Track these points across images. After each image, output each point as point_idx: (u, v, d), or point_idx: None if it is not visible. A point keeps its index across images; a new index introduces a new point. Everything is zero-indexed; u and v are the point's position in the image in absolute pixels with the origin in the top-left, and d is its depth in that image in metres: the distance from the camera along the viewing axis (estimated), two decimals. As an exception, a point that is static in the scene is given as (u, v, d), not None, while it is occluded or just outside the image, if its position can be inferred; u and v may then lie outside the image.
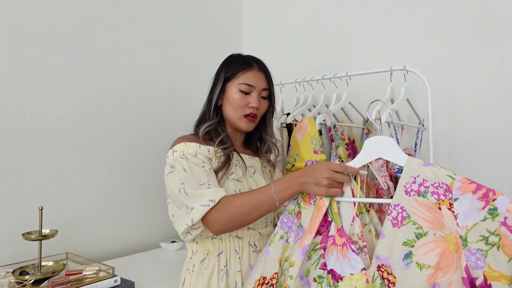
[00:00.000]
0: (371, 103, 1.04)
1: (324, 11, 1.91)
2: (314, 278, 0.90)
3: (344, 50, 1.82)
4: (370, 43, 1.72)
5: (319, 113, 1.54)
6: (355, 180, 0.92)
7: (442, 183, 0.77)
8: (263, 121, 1.20)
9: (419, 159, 0.82)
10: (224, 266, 1.05)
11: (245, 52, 2.40)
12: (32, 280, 1.20)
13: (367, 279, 0.82)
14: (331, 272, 0.86)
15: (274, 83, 1.74)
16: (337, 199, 0.92)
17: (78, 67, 1.60)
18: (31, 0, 1.46)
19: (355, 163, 0.91)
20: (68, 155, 1.56)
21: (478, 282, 0.70)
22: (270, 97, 1.17)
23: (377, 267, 0.81)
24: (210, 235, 1.06)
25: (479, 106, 1.42)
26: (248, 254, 1.08)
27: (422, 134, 1.39)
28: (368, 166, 0.93)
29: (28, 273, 1.25)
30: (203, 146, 1.08)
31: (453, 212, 0.75)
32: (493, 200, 0.71)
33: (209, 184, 0.99)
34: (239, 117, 1.11)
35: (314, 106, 1.67)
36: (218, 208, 0.95)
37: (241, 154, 1.17)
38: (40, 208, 1.29)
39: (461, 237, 0.74)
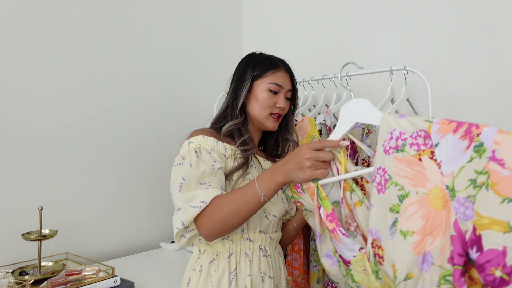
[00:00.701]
0: (344, 66, 1.01)
1: (324, 12, 1.91)
2: (337, 259, 0.85)
3: (344, 50, 1.82)
4: (370, 43, 1.72)
5: (319, 113, 1.54)
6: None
7: (420, 130, 0.66)
8: (284, 121, 1.19)
9: (397, 114, 0.73)
10: (234, 269, 1.01)
11: (245, 52, 2.38)
12: (32, 281, 1.20)
13: (368, 258, 0.74)
14: (341, 257, 0.80)
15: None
16: (321, 182, 0.82)
17: (77, 67, 1.59)
18: (39, 4, 1.46)
19: (334, 135, 0.82)
20: (68, 156, 1.56)
21: (467, 236, 0.57)
22: (292, 97, 1.18)
23: (371, 244, 0.72)
24: None
25: (479, 106, 1.41)
26: (258, 258, 1.05)
27: (422, 134, 1.39)
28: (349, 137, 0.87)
29: (28, 274, 1.25)
30: (220, 143, 1.05)
31: (436, 160, 0.64)
32: (478, 135, 0.59)
33: (210, 185, 0.95)
34: (265, 116, 1.10)
35: (314, 106, 1.67)
36: (208, 210, 0.90)
37: (256, 156, 1.14)
38: (40, 208, 1.28)
39: (447, 187, 0.61)
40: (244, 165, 1.04)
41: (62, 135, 1.55)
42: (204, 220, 0.91)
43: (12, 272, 1.25)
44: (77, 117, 1.59)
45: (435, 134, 0.64)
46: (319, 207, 0.81)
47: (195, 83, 2.04)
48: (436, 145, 0.64)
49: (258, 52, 1.18)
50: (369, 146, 1.47)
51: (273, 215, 1.08)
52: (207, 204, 0.90)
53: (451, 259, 0.58)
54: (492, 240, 0.54)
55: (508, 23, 1.35)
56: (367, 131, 1.50)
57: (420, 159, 0.65)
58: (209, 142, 1.03)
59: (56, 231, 1.34)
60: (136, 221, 1.78)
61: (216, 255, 1.03)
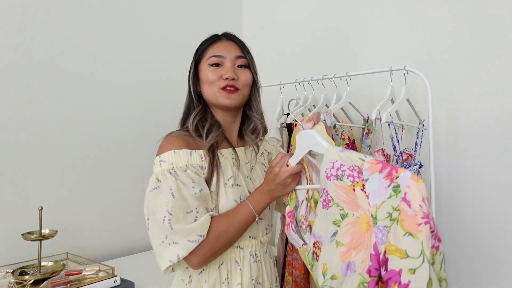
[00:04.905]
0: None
1: (325, 11, 1.91)
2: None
3: (344, 50, 1.82)
4: (370, 43, 1.72)
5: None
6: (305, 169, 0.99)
7: (355, 165, 0.80)
8: (248, 97, 1.07)
9: (339, 147, 0.86)
10: (225, 279, 0.97)
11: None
12: (32, 280, 1.20)
13: (307, 254, 0.91)
14: (292, 244, 0.98)
15: (273, 82, 1.75)
16: (296, 187, 0.99)
17: (77, 68, 1.59)
18: (36, 5, 1.46)
19: (294, 159, 0.96)
20: (68, 156, 1.56)
21: (381, 257, 0.72)
22: (250, 67, 1.04)
23: (313, 244, 0.88)
24: None
25: (479, 106, 1.41)
26: (249, 265, 1.00)
27: (422, 134, 1.39)
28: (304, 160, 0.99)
29: (28, 273, 1.25)
30: (195, 153, 0.96)
31: (365, 192, 0.78)
32: (396, 178, 0.72)
33: (197, 212, 0.91)
34: (216, 92, 0.99)
35: (314, 106, 1.67)
36: (208, 242, 0.91)
37: (236, 150, 1.05)
38: (40, 208, 1.29)
39: (372, 215, 0.76)
40: (213, 163, 0.96)
41: (62, 135, 1.55)
42: (201, 252, 0.90)
43: (12, 272, 1.25)
44: (77, 117, 1.59)
45: (365, 171, 0.78)
46: (287, 205, 0.99)
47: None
48: (366, 180, 0.78)
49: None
50: (369, 146, 1.48)
51: (259, 218, 1.03)
52: (205, 237, 0.90)
53: (368, 272, 0.74)
54: (393, 263, 0.69)
55: (507, 23, 1.35)
56: (367, 131, 1.50)
57: (354, 190, 0.80)
58: (182, 157, 0.94)
59: (56, 231, 1.34)
60: (136, 221, 1.78)
61: (206, 266, 0.98)
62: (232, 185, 0.98)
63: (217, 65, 1.00)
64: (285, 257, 1.54)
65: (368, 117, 1.53)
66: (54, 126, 1.53)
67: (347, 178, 0.82)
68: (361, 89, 1.67)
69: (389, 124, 1.22)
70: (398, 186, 0.72)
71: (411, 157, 1.33)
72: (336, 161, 0.84)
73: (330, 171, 0.85)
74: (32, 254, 1.39)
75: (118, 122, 1.73)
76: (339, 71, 1.51)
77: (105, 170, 1.67)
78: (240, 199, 0.98)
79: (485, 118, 1.40)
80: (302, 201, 0.97)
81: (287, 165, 0.96)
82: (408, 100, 1.39)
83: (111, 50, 1.71)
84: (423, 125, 1.41)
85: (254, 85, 1.06)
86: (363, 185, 0.78)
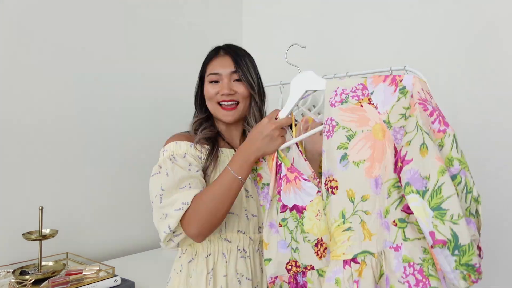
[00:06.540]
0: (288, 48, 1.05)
1: (325, 11, 1.91)
2: (279, 223, 0.96)
3: (344, 50, 1.82)
4: (370, 43, 1.72)
5: (319, 113, 1.54)
6: (290, 129, 1.00)
7: (358, 84, 0.85)
8: (248, 110, 1.12)
9: (337, 78, 0.89)
10: (212, 269, 1.02)
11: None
12: (32, 280, 1.20)
13: (322, 197, 0.90)
14: (294, 207, 0.93)
15: (273, 82, 1.74)
16: (281, 147, 0.97)
17: (77, 67, 1.60)
18: (37, 3, 1.46)
19: (288, 105, 0.96)
20: (68, 155, 1.56)
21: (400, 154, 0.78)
22: (247, 80, 1.07)
23: (324, 183, 0.87)
24: None
25: (479, 105, 1.41)
26: (236, 259, 1.03)
27: (422, 134, 1.39)
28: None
29: (28, 273, 1.26)
30: (194, 145, 1.06)
31: (373, 104, 0.83)
32: (401, 81, 0.80)
33: (190, 187, 0.96)
34: (215, 108, 1.09)
35: (314, 106, 1.67)
36: (192, 210, 0.92)
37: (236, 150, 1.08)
38: (40, 208, 1.29)
39: (384, 121, 0.81)
40: (212, 152, 1.04)
41: (63, 135, 1.55)
42: (190, 220, 0.93)
43: (13, 272, 1.25)
44: (78, 117, 1.59)
45: (370, 85, 0.83)
46: (280, 164, 0.95)
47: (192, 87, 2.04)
48: (372, 93, 0.83)
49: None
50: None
51: (252, 215, 1.05)
52: (189, 204, 0.92)
53: (395, 169, 0.77)
54: (402, 150, 0.76)
55: (507, 23, 1.35)
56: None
57: (361, 105, 0.84)
58: (182, 146, 1.04)
59: (57, 230, 1.34)
60: (136, 221, 1.78)
61: (195, 255, 1.05)
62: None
63: (216, 81, 1.08)
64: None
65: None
66: (54, 126, 1.53)
67: (352, 98, 0.85)
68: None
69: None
70: (404, 87, 0.79)
71: (411, 157, 1.34)
72: (338, 88, 0.87)
73: (334, 98, 0.87)
74: (33, 254, 1.39)
75: (119, 122, 1.73)
76: (339, 71, 1.52)
77: (105, 170, 1.68)
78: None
79: (484, 118, 1.40)
80: (293, 158, 0.96)
81: (276, 119, 0.96)
82: (408, 100, 1.39)
83: (116, 51, 1.71)
84: (423, 125, 1.41)
85: (253, 97, 1.09)
86: (369, 99, 0.83)
